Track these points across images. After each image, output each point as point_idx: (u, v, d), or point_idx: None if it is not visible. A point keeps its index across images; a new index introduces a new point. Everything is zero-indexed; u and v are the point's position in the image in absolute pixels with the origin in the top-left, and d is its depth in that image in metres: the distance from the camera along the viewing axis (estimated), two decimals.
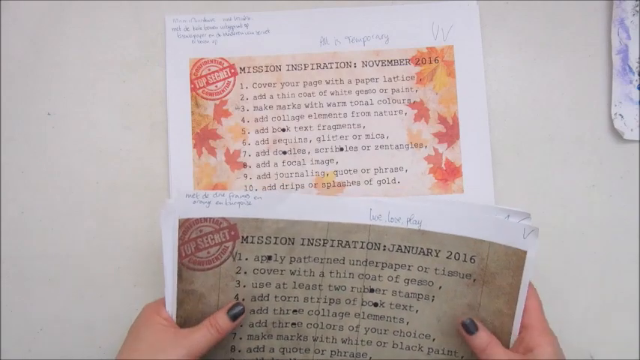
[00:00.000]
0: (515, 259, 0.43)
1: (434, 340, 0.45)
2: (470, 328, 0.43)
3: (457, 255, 0.44)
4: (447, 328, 0.45)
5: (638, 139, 0.50)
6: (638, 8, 0.51)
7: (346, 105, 0.50)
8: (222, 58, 0.50)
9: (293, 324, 0.45)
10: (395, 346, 0.46)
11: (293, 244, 0.44)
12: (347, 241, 0.44)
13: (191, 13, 0.50)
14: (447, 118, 0.50)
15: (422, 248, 0.44)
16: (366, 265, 0.45)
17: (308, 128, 0.50)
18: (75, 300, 0.49)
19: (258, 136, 0.50)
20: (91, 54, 0.51)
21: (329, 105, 0.50)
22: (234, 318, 0.43)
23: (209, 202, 0.43)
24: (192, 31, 0.51)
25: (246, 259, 0.44)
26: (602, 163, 0.50)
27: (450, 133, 0.50)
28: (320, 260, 0.44)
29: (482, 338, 0.42)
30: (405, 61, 0.51)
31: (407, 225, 0.44)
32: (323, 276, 0.45)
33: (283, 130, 0.50)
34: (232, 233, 0.44)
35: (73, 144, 0.50)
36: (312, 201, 0.45)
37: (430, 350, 0.45)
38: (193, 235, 0.43)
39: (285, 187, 0.49)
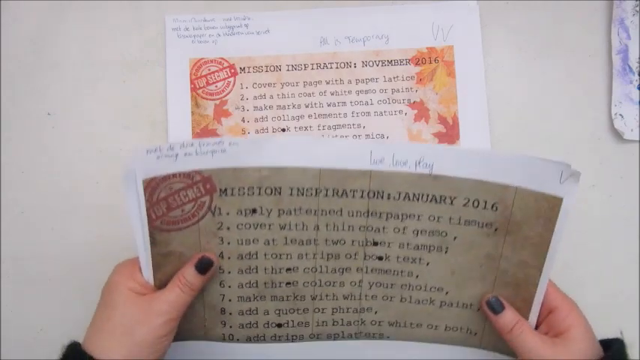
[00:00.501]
0: (548, 206, 0.37)
1: (447, 293, 0.41)
2: (495, 306, 0.39)
3: (476, 202, 0.38)
4: (462, 280, 0.40)
5: (638, 139, 0.50)
6: (638, 8, 0.51)
7: (346, 105, 0.50)
8: (222, 58, 0.50)
9: (288, 283, 0.41)
10: (403, 300, 0.41)
11: (280, 194, 0.38)
12: (344, 190, 0.38)
13: (191, 13, 0.51)
14: (447, 118, 0.50)
15: (434, 195, 0.38)
16: (367, 216, 0.39)
17: (308, 128, 0.50)
18: (75, 300, 0.49)
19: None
20: (91, 54, 0.51)
21: (329, 105, 0.50)
22: (202, 271, 0.38)
23: (176, 155, 0.36)
24: (193, 31, 0.51)
25: (228, 213, 0.38)
26: (602, 163, 0.50)
27: (450, 133, 0.50)
28: (313, 212, 0.39)
29: (509, 318, 0.39)
30: (405, 61, 0.51)
31: (415, 169, 0.37)
32: (318, 229, 0.39)
33: (283, 130, 0.50)
34: (208, 186, 0.37)
35: (73, 144, 0.50)
36: (298, 144, 0.37)
37: (443, 303, 0.41)
38: (162, 195, 0.37)
39: None
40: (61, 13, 0.51)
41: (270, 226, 0.39)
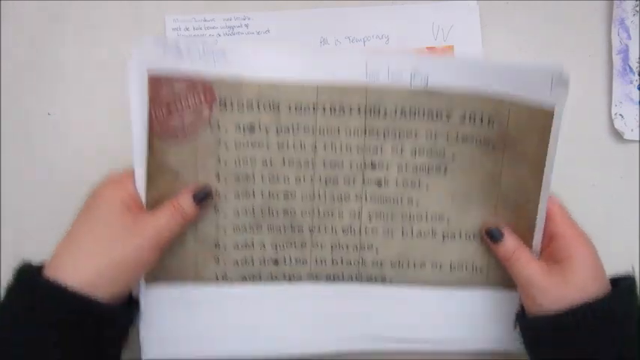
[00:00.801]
0: (541, 118, 0.36)
1: (448, 221, 0.40)
2: (495, 234, 0.38)
3: (472, 116, 0.38)
4: (462, 205, 0.39)
5: (638, 139, 0.50)
6: (638, 8, 0.51)
7: None
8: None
9: (285, 212, 0.39)
10: (405, 234, 0.40)
11: (278, 110, 0.38)
12: (341, 106, 0.38)
13: (192, 14, 0.50)
14: None
15: (430, 110, 0.38)
16: (365, 134, 0.39)
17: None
18: None
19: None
20: (91, 54, 0.51)
21: None
22: (200, 200, 0.37)
23: (180, 52, 0.36)
24: (193, 31, 0.50)
25: (226, 130, 0.38)
26: (602, 163, 0.50)
27: None
28: (311, 130, 0.38)
29: (508, 245, 0.38)
30: None
31: (410, 82, 0.37)
32: (316, 150, 0.39)
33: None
34: (208, 95, 0.37)
35: (73, 144, 0.50)
36: (297, 54, 0.37)
37: (445, 236, 0.40)
38: (165, 94, 0.37)
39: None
40: (61, 13, 0.51)
41: (268, 145, 0.39)
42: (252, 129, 0.38)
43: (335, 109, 0.38)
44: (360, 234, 0.40)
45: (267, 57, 0.37)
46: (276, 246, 0.40)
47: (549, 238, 0.38)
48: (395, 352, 0.42)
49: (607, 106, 0.50)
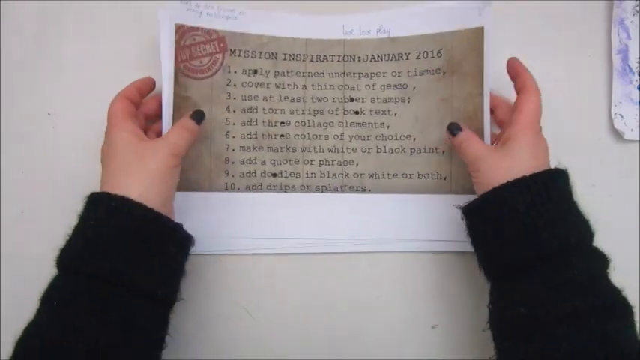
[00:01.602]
0: (475, 38, 0.47)
1: (414, 139, 0.49)
2: (454, 129, 0.45)
3: (425, 53, 0.48)
4: (425, 126, 0.49)
5: (638, 139, 0.50)
6: (638, 8, 0.51)
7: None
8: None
9: (282, 136, 0.49)
10: (379, 150, 0.49)
11: (276, 58, 0.49)
12: (324, 55, 0.49)
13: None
14: None
15: (393, 54, 0.49)
16: (344, 76, 0.49)
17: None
18: None
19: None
20: (91, 54, 0.51)
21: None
22: (197, 120, 0.45)
23: (200, 13, 0.47)
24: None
25: (235, 72, 0.48)
26: (602, 163, 0.50)
27: None
28: (302, 74, 0.49)
29: (462, 136, 0.44)
30: None
31: (377, 35, 0.49)
32: (305, 89, 0.49)
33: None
34: (222, 45, 0.48)
35: (73, 144, 0.50)
36: (290, 18, 0.49)
37: (412, 150, 0.49)
38: (188, 43, 0.47)
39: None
40: (61, 13, 0.51)
41: (268, 84, 0.49)
42: (255, 72, 0.49)
43: (320, 58, 0.49)
44: (343, 152, 0.49)
45: (266, 19, 0.48)
46: (274, 162, 0.49)
47: (506, 125, 0.44)
48: (370, 252, 0.49)
49: (607, 106, 0.50)
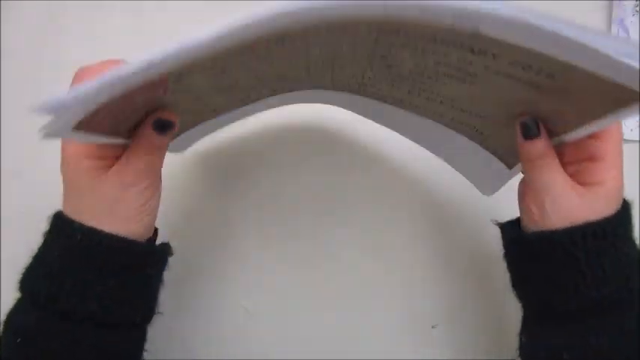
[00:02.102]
0: (617, 93, 0.27)
1: (462, 110, 0.36)
2: (531, 129, 0.32)
3: (527, 66, 0.29)
4: (477, 105, 0.34)
5: (638, 139, 0.50)
6: (638, 8, 0.51)
7: None
8: None
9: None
10: (410, 93, 0.36)
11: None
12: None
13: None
14: None
15: (471, 46, 0.29)
16: (377, 34, 0.30)
17: None
18: None
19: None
20: (91, 54, 0.51)
21: None
22: (162, 130, 0.33)
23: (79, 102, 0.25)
24: None
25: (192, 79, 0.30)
26: None
27: None
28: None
29: (540, 147, 0.32)
30: None
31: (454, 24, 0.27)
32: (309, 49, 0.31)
33: None
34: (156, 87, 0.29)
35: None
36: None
37: (453, 107, 0.36)
38: (99, 120, 0.29)
39: None
40: (61, 13, 0.51)
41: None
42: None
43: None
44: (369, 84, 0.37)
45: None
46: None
47: (588, 157, 0.33)
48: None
49: None
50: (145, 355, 0.39)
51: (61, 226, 0.34)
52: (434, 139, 0.41)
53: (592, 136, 0.33)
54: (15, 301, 0.35)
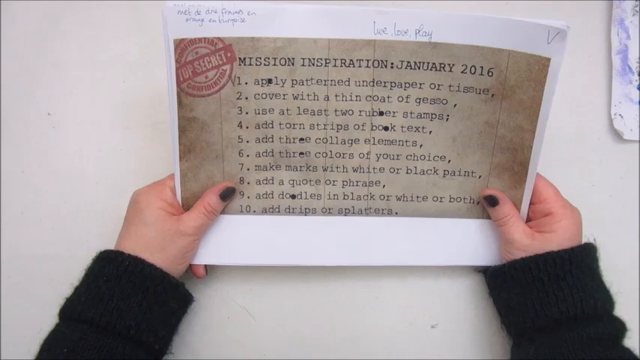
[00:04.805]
0: (538, 68, 0.39)
1: (449, 161, 0.44)
2: (493, 201, 0.43)
3: (473, 68, 0.40)
4: (463, 148, 0.43)
5: (638, 139, 0.50)
6: (638, 8, 0.51)
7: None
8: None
9: (301, 154, 0.43)
10: (409, 171, 0.44)
11: (293, 64, 0.41)
12: (351, 60, 0.41)
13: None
14: None
15: (433, 63, 0.40)
16: (373, 85, 0.41)
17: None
18: None
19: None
20: (91, 54, 0.51)
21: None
22: (224, 198, 0.44)
23: (202, 20, 0.39)
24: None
25: (246, 83, 0.41)
26: (602, 163, 0.50)
27: None
28: (323, 82, 0.41)
29: (502, 211, 0.43)
30: None
31: (416, 37, 0.40)
32: (328, 100, 0.42)
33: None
34: (229, 55, 0.41)
35: (73, 144, 0.50)
36: (309, 13, 0.40)
37: (446, 172, 0.44)
38: (189, 58, 0.40)
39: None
40: (61, 13, 0.51)
41: (284, 96, 0.42)
42: (269, 82, 0.41)
43: (345, 62, 0.41)
44: (369, 172, 0.44)
45: (280, 17, 0.40)
46: (293, 182, 0.44)
47: (543, 213, 0.43)
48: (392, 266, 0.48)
49: (607, 106, 0.50)
50: None
51: (113, 256, 0.42)
52: (421, 247, 0.46)
53: (540, 201, 0.43)
54: (54, 326, 0.41)
